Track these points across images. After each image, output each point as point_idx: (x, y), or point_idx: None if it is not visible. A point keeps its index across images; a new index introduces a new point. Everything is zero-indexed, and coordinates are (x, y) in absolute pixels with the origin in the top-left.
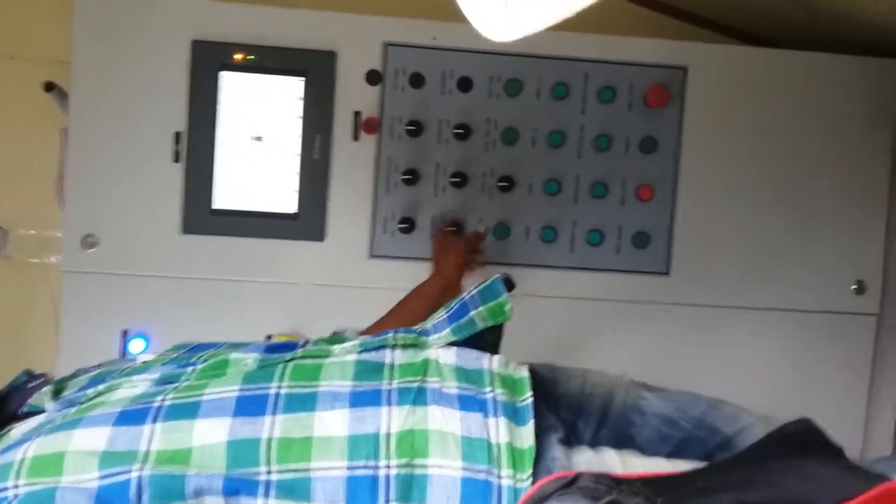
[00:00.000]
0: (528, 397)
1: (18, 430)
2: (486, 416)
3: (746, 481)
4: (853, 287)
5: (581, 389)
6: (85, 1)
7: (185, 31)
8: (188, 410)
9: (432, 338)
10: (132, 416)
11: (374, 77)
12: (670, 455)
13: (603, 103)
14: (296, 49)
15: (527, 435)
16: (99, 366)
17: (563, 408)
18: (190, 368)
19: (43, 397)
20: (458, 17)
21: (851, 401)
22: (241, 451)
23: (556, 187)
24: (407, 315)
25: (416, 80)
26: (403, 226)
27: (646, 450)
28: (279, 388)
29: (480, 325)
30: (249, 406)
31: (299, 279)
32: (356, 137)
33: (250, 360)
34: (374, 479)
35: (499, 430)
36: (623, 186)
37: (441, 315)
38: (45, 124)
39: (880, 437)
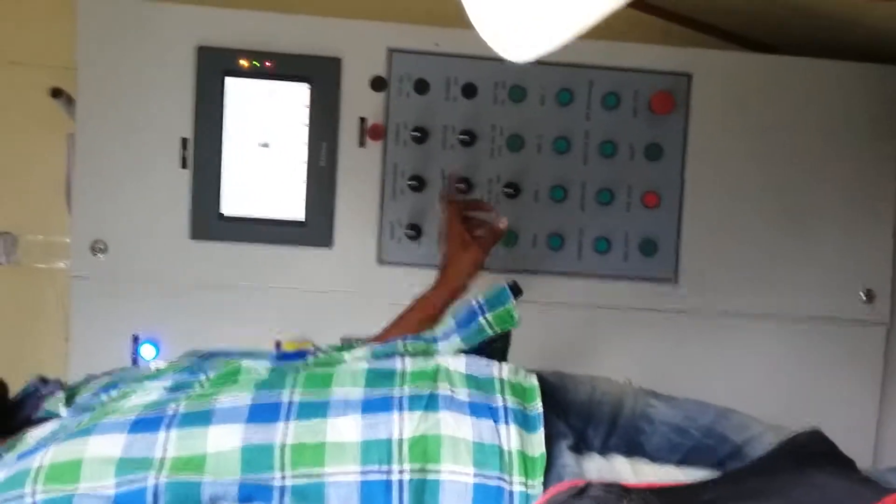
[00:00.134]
0: (537, 405)
1: (33, 435)
2: (497, 423)
3: (755, 492)
4: (862, 295)
5: (590, 397)
6: (89, 8)
7: (190, 37)
8: (202, 417)
9: (442, 345)
10: (146, 423)
11: (378, 83)
12: (680, 463)
13: (608, 110)
14: (300, 55)
15: (537, 442)
16: (110, 373)
17: (572, 415)
18: (203, 376)
19: (57, 403)
20: (463, 23)
21: (862, 410)
22: (254, 456)
23: (562, 194)
24: (411, 328)
25: (421, 87)
26: (411, 232)
27: (655, 458)
28: (291, 395)
29: (489, 333)
30: (262, 413)
31: (307, 285)
32: (362, 144)
33: (262, 368)
34: (388, 483)
35: (510, 437)
36: (629, 193)
37: (449, 322)
38: (52, 130)
39: (892, 446)
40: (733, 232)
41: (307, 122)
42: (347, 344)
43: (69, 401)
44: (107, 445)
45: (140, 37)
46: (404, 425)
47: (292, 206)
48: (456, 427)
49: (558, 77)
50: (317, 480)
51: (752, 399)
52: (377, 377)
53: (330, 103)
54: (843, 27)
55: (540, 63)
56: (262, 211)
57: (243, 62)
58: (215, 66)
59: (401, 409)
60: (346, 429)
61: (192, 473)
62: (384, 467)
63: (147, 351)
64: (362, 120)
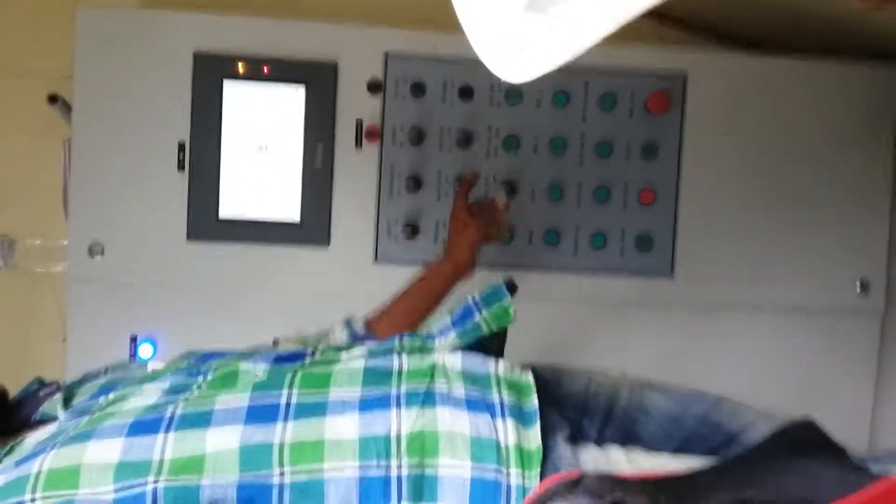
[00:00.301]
0: (533, 401)
1: (32, 439)
2: (493, 417)
3: (747, 481)
4: (858, 286)
5: (585, 389)
6: (87, 15)
7: (187, 43)
8: (200, 419)
9: (438, 342)
10: (144, 425)
11: (375, 86)
12: (676, 451)
13: (604, 111)
14: (297, 60)
15: (534, 436)
16: (107, 369)
17: (567, 408)
18: (200, 378)
19: (55, 405)
20: (458, 26)
21: (858, 399)
22: (253, 455)
23: (559, 192)
24: (413, 302)
25: (418, 89)
26: (407, 231)
27: (651, 447)
28: (289, 396)
29: (485, 330)
30: (261, 414)
31: (305, 285)
32: (359, 145)
33: (260, 370)
34: (387, 479)
35: (507, 431)
36: (625, 191)
37: (445, 320)
38: (49, 136)
39: (887, 435)
40: (728, 226)
41: (304, 124)
42: (344, 345)
43: (67, 402)
44: (105, 450)
45: (137, 44)
46: (402, 421)
47: (289, 208)
48: (453, 422)
49: (554, 79)
50: (316, 477)
51: (749, 390)
52: (374, 377)
53: (326, 106)
54: (836, 27)
55: None
56: (258, 213)
57: (240, 67)
58: (212, 71)
59: (398, 405)
60: (343, 426)
61: (190, 476)
62: (382, 463)
63: (145, 350)
64: (359, 122)
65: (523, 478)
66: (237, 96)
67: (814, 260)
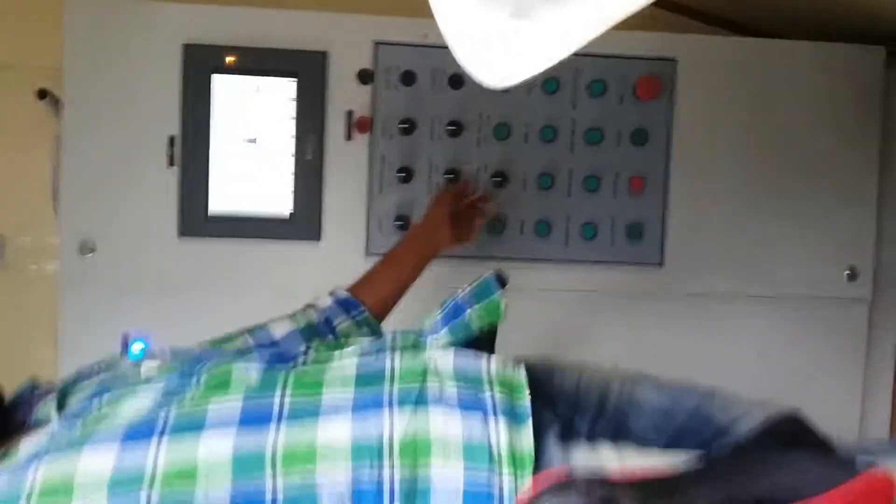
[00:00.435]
0: (525, 399)
1: (26, 445)
2: (485, 416)
3: (736, 478)
4: (846, 273)
5: (577, 384)
6: (75, 7)
7: (176, 34)
8: (193, 424)
9: (430, 340)
10: (138, 432)
11: (365, 76)
12: (667, 445)
13: (594, 97)
14: (287, 50)
15: (526, 436)
16: (100, 367)
17: (559, 404)
18: (194, 380)
19: (48, 408)
20: None
21: (847, 387)
22: (246, 464)
23: (550, 181)
24: (393, 267)
25: (408, 78)
26: (399, 223)
27: (641, 441)
28: (282, 398)
29: (476, 327)
30: (253, 418)
31: (297, 279)
32: (349, 137)
33: (253, 372)
34: (380, 483)
35: (499, 431)
36: (615, 179)
37: (436, 315)
38: (39, 132)
39: (876, 423)
40: (718, 215)
41: (294, 116)
42: (338, 343)
43: (61, 404)
44: (98, 460)
45: (126, 36)
46: (394, 423)
47: (280, 201)
48: (445, 424)
49: None
50: (309, 481)
51: (739, 379)
52: (367, 379)
53: (317, 97)
54: (827, 9)
55: None
56: (250, 207)
57: (230, 58)
58: (202, 63)
59: (391, 406)
60: (336, 430)
61: (183, 485)
62: (375, 467)
63: (137, 348)
64: (349, 113)
65: (515, 480)
66: (227, 88)
67: (802, 248)
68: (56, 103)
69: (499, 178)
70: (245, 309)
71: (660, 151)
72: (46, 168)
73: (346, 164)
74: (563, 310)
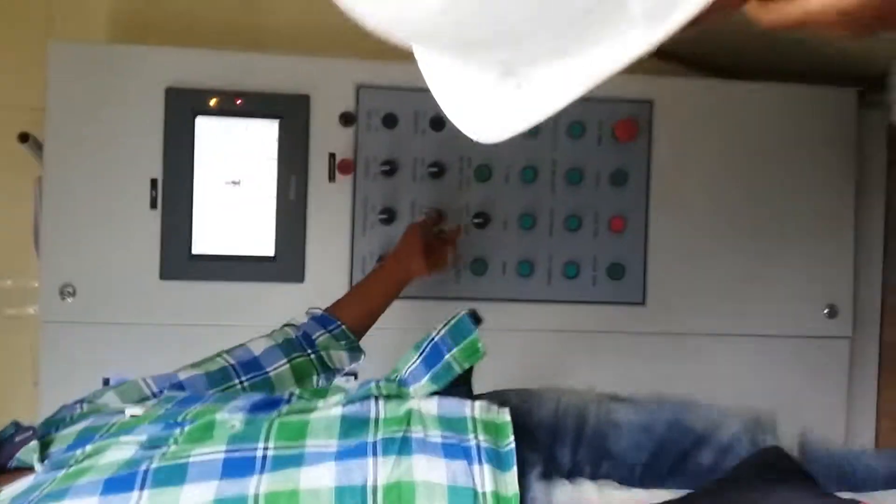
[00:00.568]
0: (510, 442)
1: (6, 493)
2: (470, 463)
3: None
4: (825, 311)
5: (555, 413)
6: (58, 50)
7: (159, 78)
8: (175, 475)
9: (412, 388)
10: (119, 484)
11: (347, 119)
12: (648, 461)
13: (573, 139)
14: (270, 93)
15: (511, 481)
16: (82, 405)
17: (540, 435)
18: (178, 430)
19: (30, 453)
20: None
21: (830, 424)
22: None
23: (531, 222)
24: (365, 292)
25: (390, 121)
26: (376, 266)
27: (623, 460)
28: (265, 448)
29: (457, 370)
30: (236, 468)
31: (281, 321)
32: (332, 178)
33: (237, 421)
34: None
35: (484, 477)
36: (596, 219)
37: (414, 360)
38: (21, 175)
39: None
40: (699, 254)
41: (277, 158)
42: (321, 389)
43: (44, 450)
44: None
45: (109, 79)
46: (378, 470)
47: (263, 243)
48: (429, 470)
49: None
50: None
51: None
52: (351, 427)
53: (299, 139)
54: (799, 52)
55: None
56: (232, 248)
57: (212, 101)
58: (185, 105)
59: (375, 454)
60: (319, 476)
61: None
62: None
63: None
64: (332, 155)
65: None
66: (210, 131)
67: (782, 287)
68: (38, 146)
69: (480, 219)
70: (206, 356)
71: (639, 191)
72: (28, 211)
73: (330, 206)
74: (546, 349)
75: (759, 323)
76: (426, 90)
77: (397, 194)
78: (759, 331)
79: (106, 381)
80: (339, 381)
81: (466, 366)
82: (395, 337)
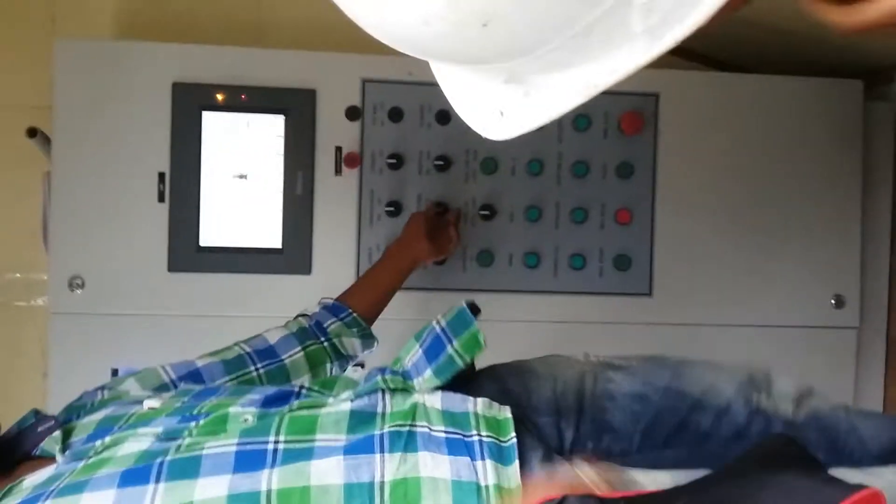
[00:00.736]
0: (511, 437)
1: (29, 481)
2: (473, 459)
3: (725, 497)
4: (832, 301)
5: (553, 393)
6: (65, 47)
7: (165, 73)
8: (189, 468)
9: (416, 381)
10: (135, 476)
11: (353, 113)
12: (647, 428)
13: (579, 131)
14: (275, 88)
15: (513, 475)
16: (103, 393)
17: (542, 416)
18: (193, 423)
19: (53, 443)
20: None
21: None
22: (241, 502)
23: (537, 214)
24: (373, 281)
25: (395, 115)
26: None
27: (622, 430)
28: (276, 442)
29: (460, 364)
30: (248, 461)
31: (287, 313)
32: (338, 172)
33: (249, 415)
34: None
35: (486, 472)
36: (602, 211)
37: (416, 350)
38: (29, 169)
39: None
40: (705, 245)
41: (283, 152)
42: (329, 379)
43: (65, 438)
44: (97, 502)
45: (116, 74)
46: (385, 466)
47: (270, 236)
48: (434, 467)
49: None
50: None
51: None
52: (359, 423)
53: (306, 134)
54: (805, 45)
55: None
56: (240, 241)
57: (219, 96)
58: (191, 100)
59: (382, 449)
60: (328, 471)
61: None
62: None
63: None
64: (338, 149)
65: None
66: (216, 126)
67: (788, 277)
68: (46, 141)
69: (487, 212)
70: (224, 345)
71: (645, 184)
72: (37, 205)
73: (336, 199)
74: (553, 341)
75: (765, 313)
76: (432, 84)
77: (403, 187)
78: (765, 321)
79: (115, 372)
80: (348, 371)
81: (468, 359)
82: (402, 327)
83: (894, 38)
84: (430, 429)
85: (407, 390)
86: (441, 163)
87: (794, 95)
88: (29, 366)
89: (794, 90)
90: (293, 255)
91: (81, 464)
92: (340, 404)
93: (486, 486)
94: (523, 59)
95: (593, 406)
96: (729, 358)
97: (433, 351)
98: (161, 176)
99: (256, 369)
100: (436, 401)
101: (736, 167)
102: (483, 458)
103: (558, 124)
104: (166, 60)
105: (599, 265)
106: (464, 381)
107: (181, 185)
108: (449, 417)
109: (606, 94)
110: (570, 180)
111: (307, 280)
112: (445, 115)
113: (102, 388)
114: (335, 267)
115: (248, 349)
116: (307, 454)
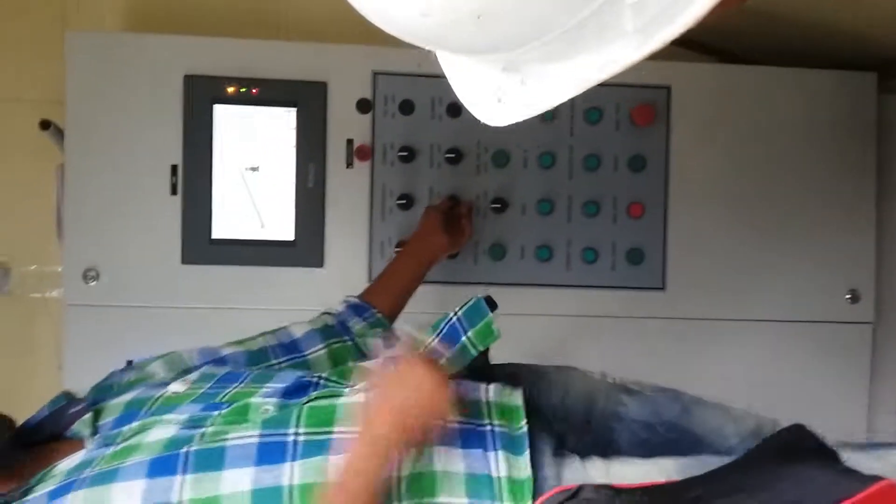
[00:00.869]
0: (523, 425)
1: (62, 467)
2: (485, 451)
3: (742, 488)
4: (847, 296)
5: (562, 401)
6: (77, 40)
7: (177, 66)
8: (215, 460)
9: None
10: (163, 466)
11: (364, 105)
12: (646, 455)
13: (591, 124)
14: (287, 81)
15: (524, 465)
16: (129, 374)
17: (550, 418)
18: (216, 412)
19: (84, 427)
20: None
21: (852, 409)
22: (265, 497)
23: (549, 207)
24: (395, 278)
25: (406, 107)
26: (400, 249)
27: (627, 453)
28: (296, 434)
29: (473, 353)
30: (270, 454)
31: (299, 305)
32: (350, 165)
33: (270, 405)
34: None
35: (498, 463)
36: (614, 204)
37: (432, 338)
38: (43, 162)
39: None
40: (718, 239)
41: (295, 145)
42: (345, 368)
43: (95, 419)
44: (128, 493)
45: (128, 67)
46: (402, 462)
47: (282, 228)
48: (448, 460)
49: None
50: None
51: (743, 402)
52: None
53: (317, 126)
54: (818, 36)
55: None
56: (252, 233)
57: (230, 88)
58: (203, 93)
59: None
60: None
61: None
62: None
63: None
64: (349, 141)
65: None
66: (228, 118)
67: (803, 270)
68: (59, 134)
69: (498, 205)
70: (248, 334)
71: (658, 177)
72: (51, 197)
73: (348, 192)
74: (566, 334)
75: (779, 308)
76: (442, 76)
77: (415, 180)
78: (779, 316)
79: (129, 364)
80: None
81: (481, 347)
82: (413, 320)
83: None
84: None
85: None
86: (452, 155)
87: (807, 88)
88: (44, 357)
89: (808, 83)
90: (305, 247)
91: (111, 450)
92: (358, 395)
93: (499, 478)
94: (519, 51)
95: (601, 424)
96: (742, 353)
97: (448, 340)
98: (173, 168)
99: (279, 363)
100: (449, 389)
101: (749, 160)
102: (495, 449)
103: (570, 117)
104: (178, 53)
105: (612, 259)
106: (479, 374)
107: (193, 178)
108: (462, 407)
109: (618, 86)
110: (582, 173)
111: (319, 273)
112: (457, 108)
113: (130, 368)
114: (347, 260)
115: (272, 342)
116: (325, 447)
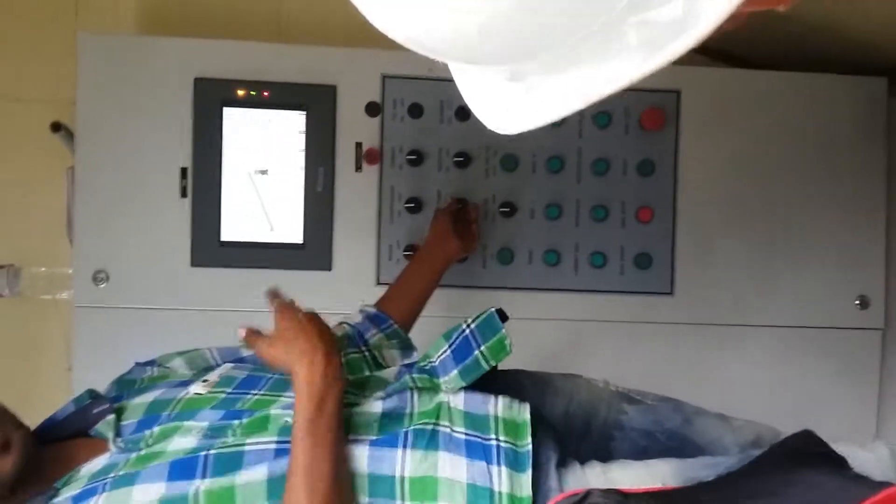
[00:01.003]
0: (528, 443)
1: (86, 470)
2: (489, 464)
3: (750, 494)
4: (856, 302)
5: (566, 410)
6: (88, 42)
7: (187, 68)
8: (233, 463)
9: (442, 380)
10: (183, 470)
11: (373, 109)
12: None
13: (600, 128)
14: (296, 84)
15: (525, 483)
16: (152, 370)
17: (556, 428)
18: (236, 421)
19: (107, 428)
20: None
21: (860, 416)
22: (279, 485)
23: (557, 211)
24: (410, 285)
25: (415, 111)
26: (409, 253)
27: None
28: None
29: (485, 367)
30: (286, 453)
31: (308, 307)
32: (359, 168)
33: (288, 417)
34: None
35: (501, 478)
36: (623, 209)
37: (445, 349)
38: (53, 164)
39: None
40: (727, 243)
41: (304, 148)
42: (357, 378)
43: (118, 417)
44: (149, 494)
45: (138, 70)
46: (406, 463)
47: (291, 231)
48: (452, 469)
49: None
50: None
51: (751, 408)
52: (390, 423)
53: (326, 130)
54: (828, 41)
55: None
56: (261, 236)
57: (240, 92)
58: (213, 96)
59: (405, 445)
60: (356, 456)
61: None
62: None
63: None
64: (358, 145)
65: None
66: (237, 121)
67: (812, 276)
68: (70, 136)
69: (507, 209)
70: None
71: (667, 181)
72: (61, 199)
73: (356, 195)
74: (573, 338)
75: (788, 314)
76: (451, 80)
77: (423, 184)
78: (788, 322)
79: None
80: None
81: (493, 363)
82: (421, 323)
83: None
84: (452, 429)
85: (433, 389)
86: (461, 159)
87: (817, 93)
88: (53, 358)
89: (818, 87)
90: (314, 250)
91: (134, 455)
92: (372, 404)
93: (500, 493)
94: (523, 63)
95: (601, 433)
96: (750, 358)
97: (461, 352)
98: (183, 171)
99: None
100: (459, 401)
101: (758, 165)
102: (499, 464)
103: (579, 121)
104: (188, 56)
105: (620, 263)
106: (485, 380)
107: (203, 181)
108: (470, 420)
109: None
110: (590, 177)
111: (328, 276)
112: (465, 112)
113: (152, 363)
114: (356, 263)
115: None
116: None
